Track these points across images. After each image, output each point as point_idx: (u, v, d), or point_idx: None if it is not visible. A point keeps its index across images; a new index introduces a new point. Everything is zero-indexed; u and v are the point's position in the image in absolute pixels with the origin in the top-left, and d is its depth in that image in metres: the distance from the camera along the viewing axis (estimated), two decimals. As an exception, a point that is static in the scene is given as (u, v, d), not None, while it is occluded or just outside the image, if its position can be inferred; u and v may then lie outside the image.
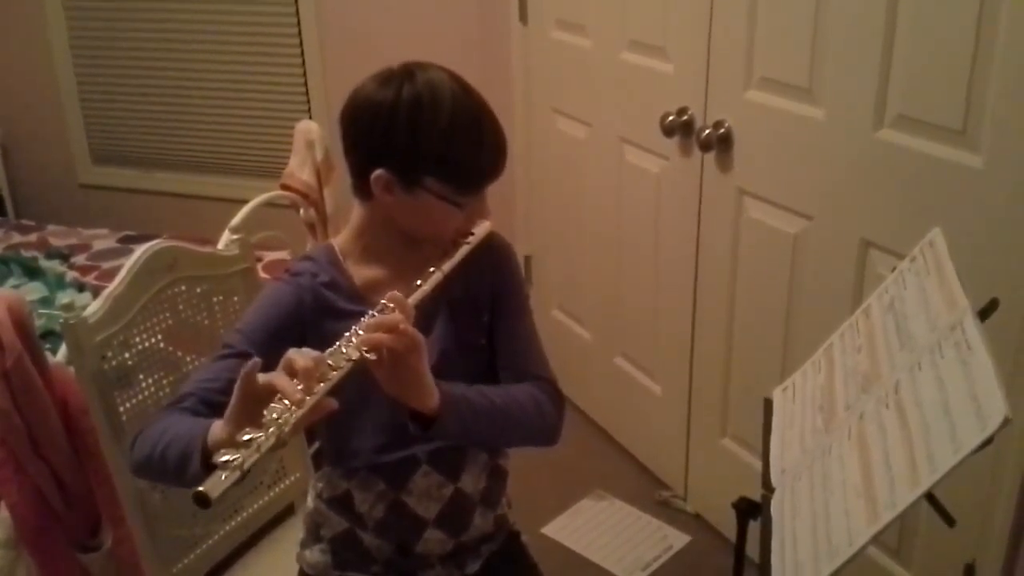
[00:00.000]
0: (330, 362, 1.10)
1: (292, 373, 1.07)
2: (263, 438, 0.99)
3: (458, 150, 1.27)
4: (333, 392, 1.09)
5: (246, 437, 0.99)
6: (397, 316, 1.16)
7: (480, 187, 1.33)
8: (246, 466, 0.97)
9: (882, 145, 1.83)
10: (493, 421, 1.32)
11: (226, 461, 0.96)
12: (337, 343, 1.14)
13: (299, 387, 1.05)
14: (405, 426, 1.25)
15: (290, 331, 1.30)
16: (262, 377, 1.07)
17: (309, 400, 1.04)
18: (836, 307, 1.96)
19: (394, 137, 1.26)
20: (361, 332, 1.15)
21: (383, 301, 1.19)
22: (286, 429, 1.01)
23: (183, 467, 1.15)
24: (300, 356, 1.08)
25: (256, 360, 1.08)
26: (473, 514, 1.44)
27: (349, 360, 1.11)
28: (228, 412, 1.09)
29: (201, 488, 0.94)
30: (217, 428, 1.11)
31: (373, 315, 1.18)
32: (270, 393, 1.05)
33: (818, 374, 1.36)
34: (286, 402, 1.03)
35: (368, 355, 1.13)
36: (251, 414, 1.05)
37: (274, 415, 1.01)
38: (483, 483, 1.44)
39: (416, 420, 1.24)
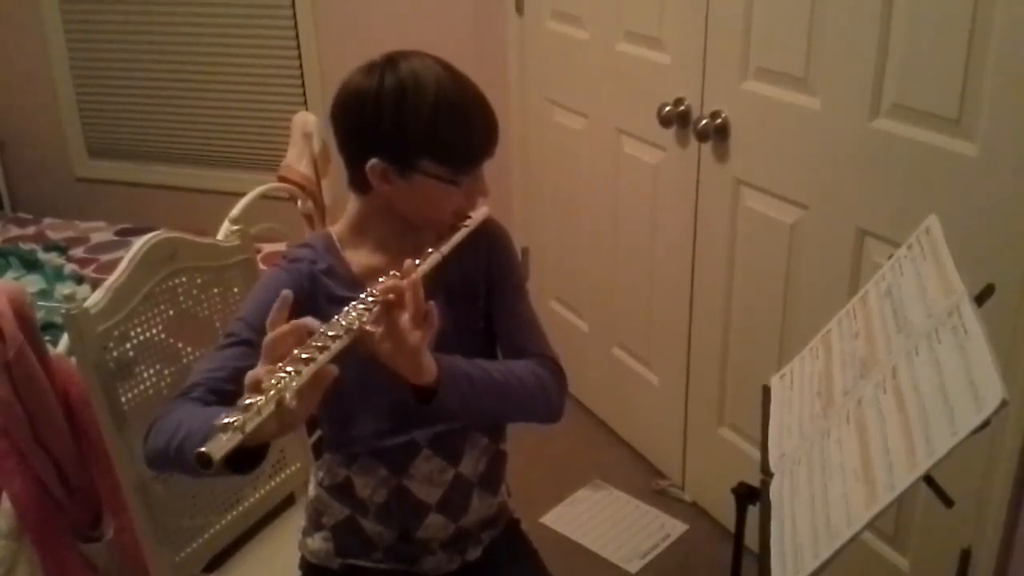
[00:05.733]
0: (331, 333, 1.10)
1: (302, 336, 1.08)
2: (263, 401, 1.00)
3: (447, 129, 1.28)
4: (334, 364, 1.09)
5: (247, 401, 1.00)
6: (402, 283, 1.18)
7: (474, 164, 1.33)
8: (247, 429, 0.98)
9: (878, 134, 1.84)
10: (493, 395, 1.33)
11: (227, 423, 0.97)
12: (336, 316, 1.14)
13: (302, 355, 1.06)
14: (406, 410, 1.25)
15: (290, 317, 1.30)
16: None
17: (307, 368, 1.05)
18: (832, 296, 1.97)
19: (383, 125, 1.27)
20: (361, 307, 1.15)
21: (392, 272, 1.20)
22: (287, 395, 1.01)
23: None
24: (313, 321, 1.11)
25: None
26: (471, 497, 1.45)
27: (350, 329, 1.11)
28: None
29: (203, 449, 0.96)
30: None
31: (372, 292, 1.18)
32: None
33: (816, 360, 1.38)
34: (289, 369, 1.04)
35: (368, 327, 1.14)
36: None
37: (273, 380, 1.02)
38: (482, 466, 1.46)
39: (416, 395, 1.24)
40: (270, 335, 1.08)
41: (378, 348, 1.18)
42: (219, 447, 0.96)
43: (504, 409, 1.39)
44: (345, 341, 1.10)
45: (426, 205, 1.34)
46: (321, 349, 1.07)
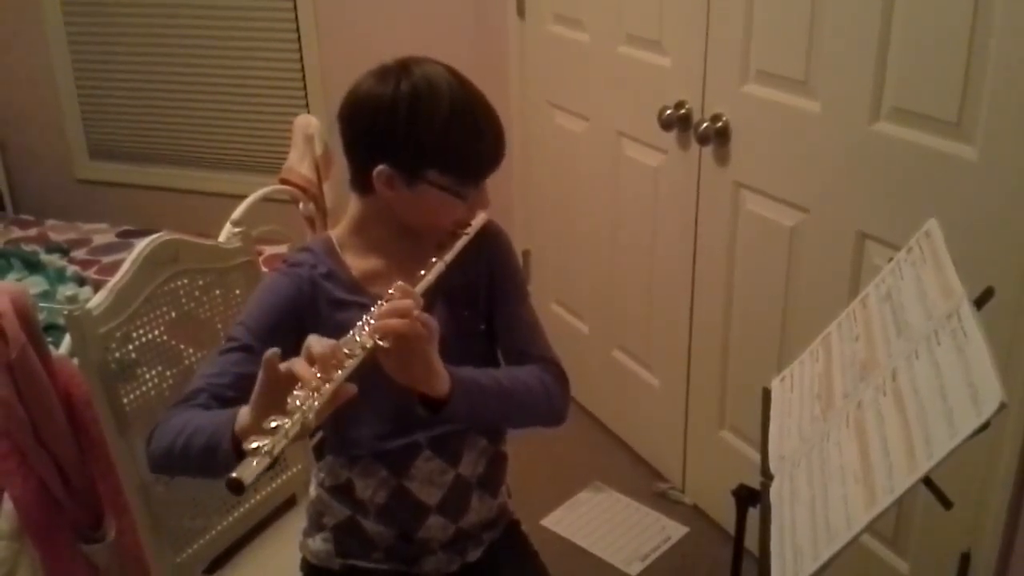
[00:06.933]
0: (346, 350, 1.11)
1: (310, 360, 1.09)
2: (289, 424, 1.01)
3: (458, 141, 1.28)
4: (349, 379, 1.11)
5: (273, 424, 1.01)
6: (407, 302, 1.18)
7: (481, 176, 1.34)
8: (275, 452, 0.99)
9: (878, 137, 1.85)
10: (501, 402, 1.34)
11: (256, 447, 0.99)
12: (351, 331, 1.15)
13: (318, 374, 1.07)
14: (408, 413, 1.26)
15: (291, 321, 1.31)
16: (283, 365, 1.09)
17: (328, 387, 1.06)
18: (833, 299, 1.97)
19: (395, 131, 1.27)
20: (372, 321, 1.16)
21: (390, 291, 1.21)
22: (310, 415, 1.03)
23: (210, 456, 1.17)
24: (317, 343, 1.10)
25: (275, 350, 1.09)
26: (471, 498, 1.46)
27: (363, 348, 1.13)
28: (253, 400, 1.11)
29: (235, 475, 0.97)
30: (244, 415, 1.13)
31: (383, 304, 1.19)
32: (291, 381, 1.07)
33: (816, 363, 1.38)
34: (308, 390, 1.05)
35: (381, 343, 1.15)
36: (275, 401, 1.07)
37: (297, 402, 1.04)
38: (482, 467, 1.46)
39: (425, 404, 1.25)
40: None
41: (385, 365, 1.19)
42: (250, 472, 0.98)
43: (511, 415, 1.40)
44: (359, 359, 1.12)
45: (428, 214, 1.34)
46: (337, 367, 1.09)
